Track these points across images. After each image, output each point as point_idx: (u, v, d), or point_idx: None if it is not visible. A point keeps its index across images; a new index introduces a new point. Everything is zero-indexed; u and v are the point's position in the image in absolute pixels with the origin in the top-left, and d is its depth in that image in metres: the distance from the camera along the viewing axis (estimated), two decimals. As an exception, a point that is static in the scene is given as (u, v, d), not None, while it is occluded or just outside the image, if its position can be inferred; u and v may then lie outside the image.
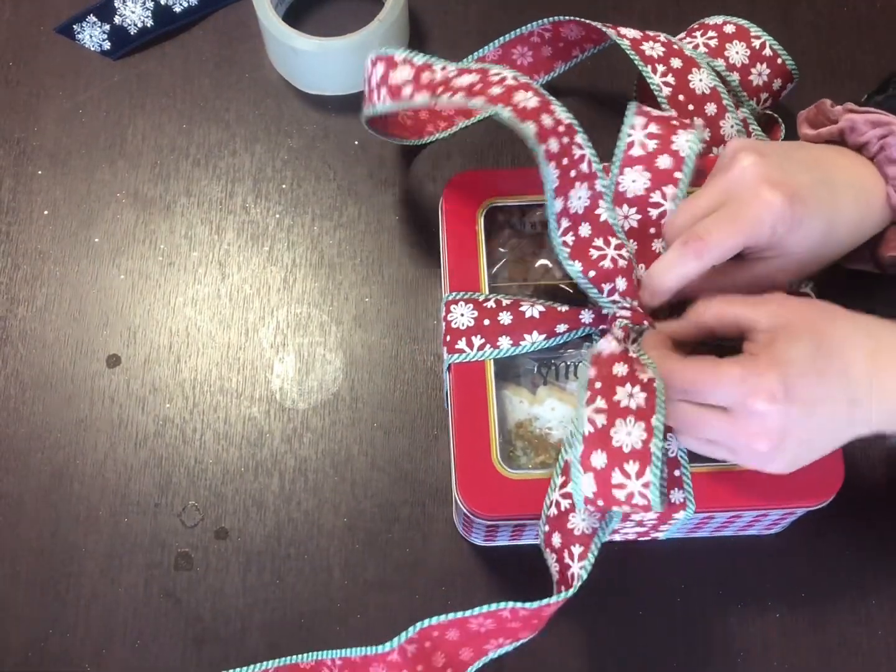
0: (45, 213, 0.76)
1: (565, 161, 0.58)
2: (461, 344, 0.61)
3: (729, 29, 0.67)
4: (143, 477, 0.68)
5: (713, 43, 0.67)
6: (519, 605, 0.54)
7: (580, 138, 0.59)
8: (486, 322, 0.61)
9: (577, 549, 0.55)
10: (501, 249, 0.66)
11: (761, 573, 0.65)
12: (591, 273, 0.59)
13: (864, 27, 0.81)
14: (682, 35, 0.69)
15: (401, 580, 0.66)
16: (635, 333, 0.58)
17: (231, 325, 0.72)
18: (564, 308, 0.61)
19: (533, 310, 0.61)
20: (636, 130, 0.61)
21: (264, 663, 0.60)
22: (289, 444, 0.69)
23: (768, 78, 0.66)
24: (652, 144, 0.60)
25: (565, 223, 0.59)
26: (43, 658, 0.64)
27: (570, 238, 0.59)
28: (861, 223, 0.59)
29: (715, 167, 0.59)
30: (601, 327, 0.61)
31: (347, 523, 0.67)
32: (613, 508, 0.54)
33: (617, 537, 0.62)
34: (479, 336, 0.61)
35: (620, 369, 0.54)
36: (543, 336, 0.61)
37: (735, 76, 0.66)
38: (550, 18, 0.71)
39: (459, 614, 0.55)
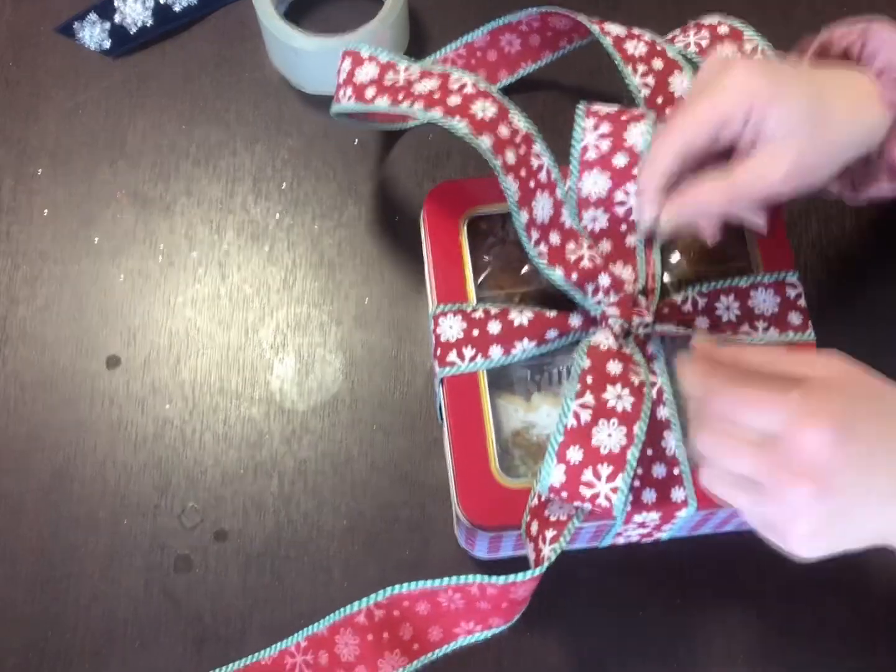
0: (45, 212, 0.76)
1: (523, 172, 0.58)
2: (452, 356, 0.60)
3: (723, 30, 0.67)
4: (142, 478, 0.68)
5: (704, 43, 0.67)
6: (487, 578, 0.54)
7: (538, 147, 0.59)
8: (476, 332, 0.60)
9: (550, 534, 0.55)
10: (486, 258, 0.66)
11: (761, 573, 0.65)
12: (574, 276, 0.59)
13: (865, 27, 0.81)
14: (677, 32, 0.69)
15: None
16: (625, 331, 0.58)
17: (231, 326, 0.72)
18: (553, 313, 0.61)
19: (522, 317, 0.61)
20: (588, 133, 0.61)
21: (225, 667, 0.61)
22: (288, 445, 0.69)
23: None
24: (605, 144, 0.60)
25: (535, 234, 0.59)
26: (43, 658, 0.64)
27: (543, 248, 0.60)
28: (856, 113, 0.56)
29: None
30: (592, 329, 0.60)
31: (347, 525, 0.67)
32: (575, 503, 0.54)
33: (620, 540, 0.62)
34: (469, 347, 0.60)
35: (615, 367, 0.54)
36: (534, 343, 0.60)
37: None
38: (539, 9, 0.71)
39: (429, 583, 0.55)
